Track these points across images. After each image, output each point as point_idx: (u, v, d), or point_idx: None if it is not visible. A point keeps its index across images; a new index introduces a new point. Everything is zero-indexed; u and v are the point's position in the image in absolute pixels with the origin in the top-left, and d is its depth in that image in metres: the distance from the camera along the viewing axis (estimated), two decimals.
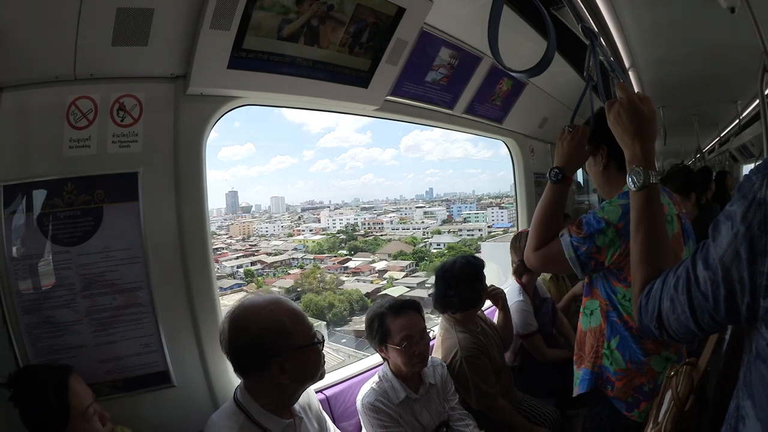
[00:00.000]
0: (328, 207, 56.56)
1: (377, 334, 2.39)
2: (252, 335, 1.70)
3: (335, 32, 2.29)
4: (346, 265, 42.94)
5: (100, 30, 1.73)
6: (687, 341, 1.36)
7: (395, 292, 34.92)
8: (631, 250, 1.33)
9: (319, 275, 39.47)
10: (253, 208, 58.83)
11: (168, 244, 2.06)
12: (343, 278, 40.64)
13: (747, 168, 9.94)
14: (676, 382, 1.32)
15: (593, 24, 2.65)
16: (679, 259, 1.28)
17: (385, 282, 38.72)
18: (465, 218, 51.97)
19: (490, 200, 54.01)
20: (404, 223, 51.21)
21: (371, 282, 39.28)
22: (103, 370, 1.96)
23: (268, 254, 44.48)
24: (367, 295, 35.62)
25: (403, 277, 39.43)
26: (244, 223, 50.48)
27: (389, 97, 3.00)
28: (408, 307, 2.42)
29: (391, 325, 2.37)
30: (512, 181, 5.20)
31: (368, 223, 51.72)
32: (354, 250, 46.22)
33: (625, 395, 1.79)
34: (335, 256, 44.64)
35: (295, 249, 45.85)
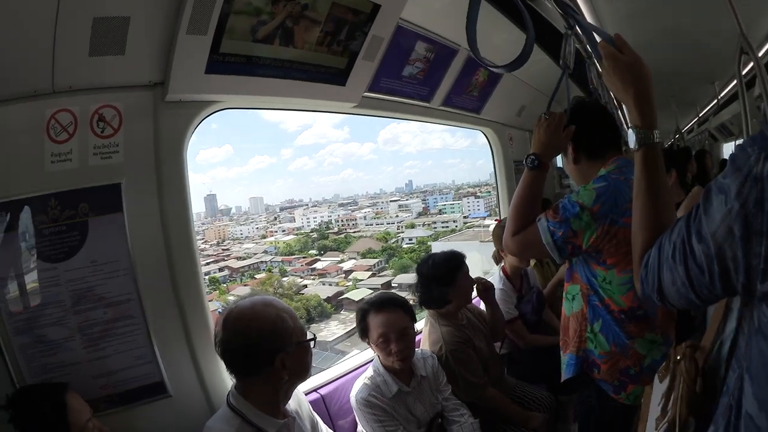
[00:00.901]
0: (307, 205, 55.78)
1: (360, 329, 2.48)
2: (252, 334, 1.74)
3: (311, 31, 2.31)
4: (313, 266, 41.85)
5: (77, 41, 1.73)
6: (690, 308, 1.37)
7: (357, 295, 33.86)
8: (633, 214, 1.29)
9: (276, 281, 38.32)
10: (233, 210, 58.08)
11: (155, 254, 2.08)
12: (308, 281, 39.43)
13: (727, 146, 10.10)
14: (684, 366, 1.31)
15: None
16: None
17: (350, 284, 37.96)
18: (440, 210, 51.27)
19: (469, 189, 53.31)
20: (378, 218, 50.42)
21: (337, 284, 38.30)
22: (98, 385, 1.97)
23: (238, 258, 43.40)
24: (328, 299, 34.73)
25: (369, 277, 38.46)
26: (218, 226, 49.60)
27: (367, 94, 3.04)
28: (390, 304, 2.46)
29: (371, 321, 2.43)
30: (491, 170, 5.28)
31: (342, 220, 50.91)
32: (323, 250, 45.26)
33: (612, 378, 1.84)
34: (304, 257, 43.70)
35: (265, 252, 44.85)
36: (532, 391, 3.08)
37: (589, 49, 3.43)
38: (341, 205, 55.03)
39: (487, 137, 5.15)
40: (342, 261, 42.15)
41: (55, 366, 1.91)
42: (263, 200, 60.13)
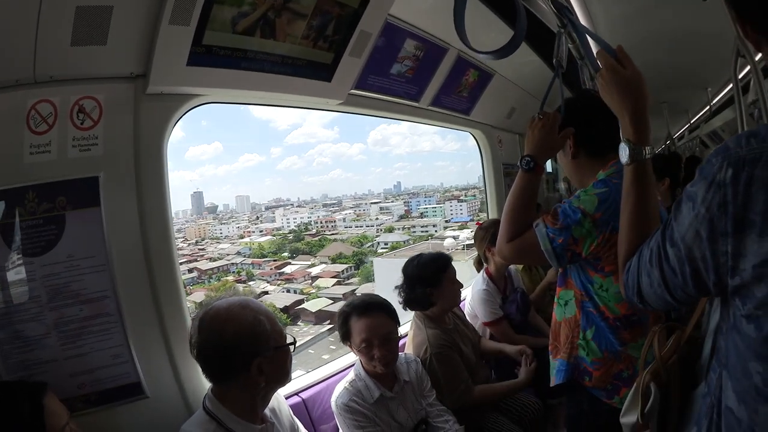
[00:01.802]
0: (292, 204, 55.45)
1: (341, 333, 2.46)
2: (228, 337, 1.73)
3: (296, 25, 2.31)
4: (282, 270, 40.95)
5: (60, 30, 1.73)
6: (667, 310, 1.42)
7: (315, 305, 33.35)
8: (620, 223, 1.39)
9: (231, 288, 36.34)
10: (220, 208, 57.69)
11: (132, 251, 2.07)
12: (272, 287, 38.43)
13: None
14: (658, 337, 1.37)
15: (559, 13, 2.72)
16: None
17: (315, 290, 37.22)
18: (422, 213, 51.14)
19: (457, 192, 53.41)
20: (358, 220, 50.16)
21: (301, 291, 37.49)
22: (75, 383, 1.96)
23: (210, 260, 42.64)
24: (285, 309, 33.94)
25: (334, 285, 37.74)
26: (199, 225, 49.05)
27: (353, 91, 3.04)
28: (374, 309, 2.45)
29: (353, 326, 2.42)
30: (480, 173, 5.30)
31: (321, 222, 50.50)
32: (296, 253, 44.59)
33: (604, 383, 1.83)
34: (274, 260, 42.88)
35: (238, 253, 44.19)
36: (520, 396, 3.09)
37: (582, 51, 3.48)
38: (326, 205, 54.86)
39: (476, 139, 5.18)
40: (313, 265, 41.58)
41: (32, 363, 1.90)
42: (249, 199, 59.91)
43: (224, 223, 50.67)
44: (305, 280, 39.38)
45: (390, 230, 48.46)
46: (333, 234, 48.53)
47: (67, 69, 1.87)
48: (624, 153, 1.38)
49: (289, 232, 48.89)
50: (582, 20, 3.14)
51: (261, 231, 48.98)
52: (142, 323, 2.08)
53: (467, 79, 4.07)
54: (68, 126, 1.92)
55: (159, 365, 2.14)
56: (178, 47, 2.00)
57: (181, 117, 2.28)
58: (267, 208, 54.70)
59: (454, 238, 37.28)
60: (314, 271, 40.37)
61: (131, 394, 2.06)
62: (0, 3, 1.57)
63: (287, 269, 41.50)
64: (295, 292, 37.99)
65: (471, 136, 5.17)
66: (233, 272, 41.57)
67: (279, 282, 39.56)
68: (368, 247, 45.42)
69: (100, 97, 1.97)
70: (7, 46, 1.69)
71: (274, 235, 48.04)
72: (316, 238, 47.44)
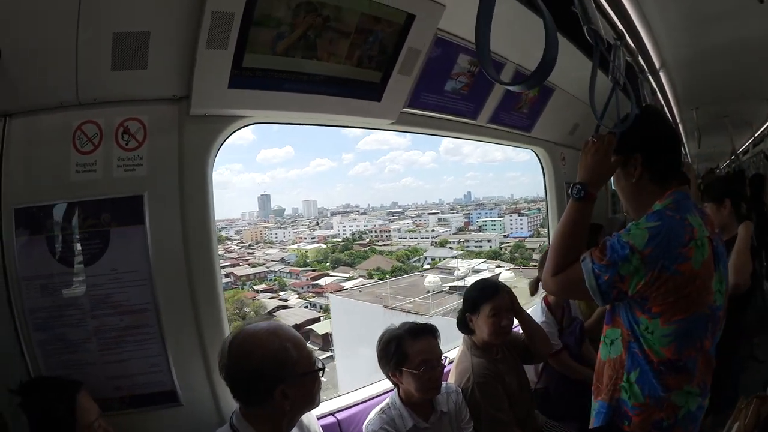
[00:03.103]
0: (357, 211, 55.04)
1: (393, 357, 2.34)
2: (254, 364, 1.72)
3: (338, 44, 2.26)
4: (317, 281, 38.82)
5: (99, 55, 1.78)
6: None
7: (322, 328, 31.25)
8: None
9: (238, 300, 35.44)
10: (288, 212, 57.98)
11: (175, 266, 2.10)
12: (296, 301, 35.81)
13: None
14: (744, 414, 1.30)
15: (619, 24, 2.60)
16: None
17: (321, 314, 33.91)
18: (480, 226, 49.06)
19: (527, 205, 51.39)
20: (414, 231, 48.43)
21: (322, 308, 34.22)
22: (113, 386, 2.05)
23: (251, 265, 41.64)
24: (296, 327, 30.61)
25: None
26: (257, 228, 48.87)
27: (406, 110, 2.94)
28: (426, 332, 2.39)
29: (409, 348, 2.32)
30: None
31: (376, 231, 49.11)
32: (337, 264, 42.86)
33: (643, 430, 1.71)
34: (313, 270, 41.09)
35: (282, 260, 42.85)
36: (561, 430, 2.96)
37: (642, 62, 3.34)
38: (391, 213, 53.47)
39: (538, 156, 4.94)
40: (350, 278, 39.37)
41: (72, 363, 1.99)
42: (317, 203, 59.98)
43: (282, 228, 50.38)
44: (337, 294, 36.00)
45: (443, 244, 46.28)
46: (385, 245, 47.01)
47: (110, 92, 1.93)
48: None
49: (342, 241, 47.76)
50: (640, 29, 3.00)
51: (313, 238, 47.92)
52: (181, 336, 2.12)
53: (527, 94, 3.87)
54: (113, 146, 1.98)
55: (195, 376, 2.16)
56: (217, 70, 1.99)
57: (226, 138, 2.29)
58: (332, 214, 54.39)
59: (452, 272, 33.76)
60: (348, 284, 37.09)
61: (166, 401, 2.12)
62: (38, 29, 1.64)
63: (323, 281, 39.44)
64: (320, 308, 35.75)
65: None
66: (270, 280, 40.77)
67: (310, 294, 37.75)
68: (414, 261, 43.47)
69: (144, 118, 2.01)
70: (48, 70, 1.77)
71: (326, 243, 46.84)
72: (366, 248, 45.90)
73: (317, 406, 1.93)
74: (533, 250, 41.94)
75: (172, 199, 2.10)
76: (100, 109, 1.95)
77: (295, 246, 46.39)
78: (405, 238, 48.08)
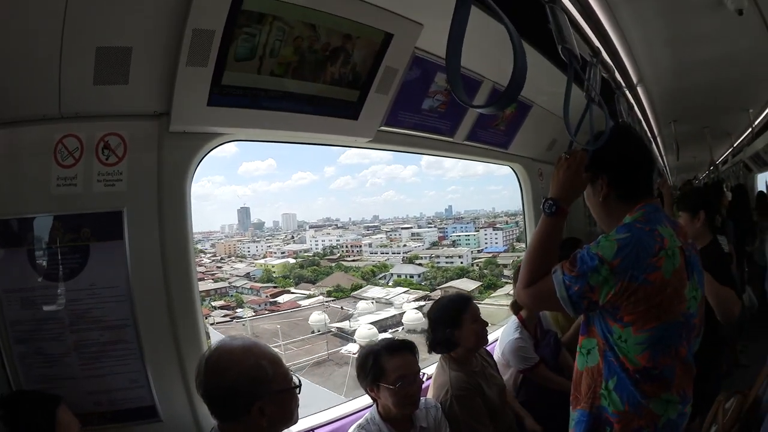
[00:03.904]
0: (335, 225, 53.99)
1: (371, 373, 2.36)
2: (229, 380, 1.74)
3: (316, 63, 2.31)
4: (275, 299, 37.10)
5: (82, 69, 1.82)
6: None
7: None
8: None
9: None
10: (269, 224, 57.07)
11: (153, 283, 2.12)
12: (249, 318, 33.36)
13: (761, 177, 9.87)
14: (723, 409, 1.33)
15: (596, 41, 2.65)
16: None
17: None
18: (454, 241, 47.59)
19: (507, 218, 49.82)
20: (385, 247, 46.85)
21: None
22: (92, 401, 2.06)
23: (215, 280, 40.28)
24: None
25: None
26: (230, 242, 47.66)
27: (383, 128, 2.99)
28: (404, 348, 2.42)
29: (386, 364, 2.35)
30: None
31: (347, 246, 47.82)
32: (300, 280, 41.14)
33: None
34: (275, 287, 39.52)
35: (246, 275, 41.52)
36: None
37: (619, 78, 3.40)
38: (367, 227, 52.19)
39: (515, 172, 5.01)
40: (311, 296, 37.95)
41: (52, 377, 2.00)
42: (296, 217, 58.51)
43: (256, 241, 48.93)
44: (292, 312, 34.87)
45: (411, 260, 44.24)
46: (355, 260, 45.49)
47: (91, 106, 1.96)
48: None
49: (313, 255, 46.23)
50: (618, 46, 3.04)
51: (283, 252, 46.36)
52: (159, 351, 2.13)
53: (504, 111, 3.94)
54: (94, 161, 2.00)
55: (174, 392, 2.17)
56: (197, 88, 2.03)
57: (205, 155, 2.33)
58: (310, 227, 53.25)
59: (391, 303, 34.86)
60: (305, 303, 36.35)
61: (145, 416, 2.13)
62: (22, 41, 1.67)
63: (281, 298, 37.75)
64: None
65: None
66: (230, 296, 39.06)
67: (265, 312, 35.95)
68: (380, 278, 41.81)
69: (125, 133, 2.04)
70: (31, 82, 1.80)
71: (295, 258, 45.30)
72: (333, 264, 44.42)
73: (295, 423, 1.94)
74: (506, 266, 40.84)
75: (150, 215, 2.13)
76: (81, 123, 1.98)
77: (262, 261, 44.74)
78: (376, 253, 46.50)
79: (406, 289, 38.72)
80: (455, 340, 2.75)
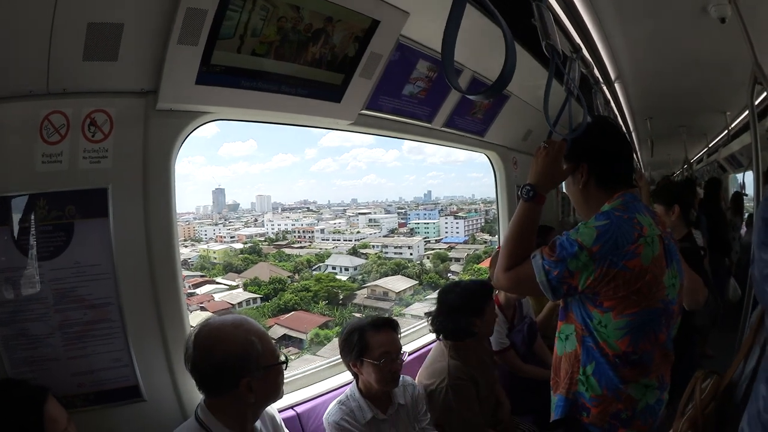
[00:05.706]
0: (308, 208, 51.51)
1: (355, 347, 2.43)
2: (219, 356, 1.78)
3: (304, 46, 2.36)
4: (195, 290, 33.85)
5: (72, 44, 1.80)
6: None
7: None
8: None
9: None
10: (246, 206, 55.09)
11: (137, 260, 2.13)
12: None
13: (736, 176, 10.17)
14: (700, 384, 1.37)
15: (577, 37, 2.70)
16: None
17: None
18: (412, 229, 44.45)
19: (485, 206, 46.93)
20: (337, 233, 44.22)
21: None
22: (76, 382, 2.04)
23: None
24: None
25: None
26: (190, 225, 44.90)
27: (364, 111, 3.06)
28: (387, 325, 2.49)
29: (371, 339, 2.42)
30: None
31: (299, 231, 45.32)
32: (229, 269, 38.21)
33: (602, 422, 1.80)
34: (201, 276, 36.72)
35: (184, 262, 38.11)
36: (519, 423, 3.10)
37: (597, 74, 3.50)
38: (336, 211, 50.08)
39: (490, 160, 5.12)
40: (234, 287, 35.31)
41: (36, 359, 1.99)
42: (270, 199, 56.28)
43: (218, 224, 46.26)
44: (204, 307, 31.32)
45: (356, 250, 40.61)
46: (301, 247, 43.00)
47: (79, 82, 1.95)
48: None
49: (264, 240, 43.75)
50: (599, 44, 3.13)
51: (233, 237, 43.89)
52: (143, 330, 2.14)
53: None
54: (80, 138, 2.00)
55: (158, 371, 2.19)
56: (186, 66, 2.06)
57: (190, 133, 2.34)
58: (284, 210, 51.10)
59: None
60: (219, 296, 33.34)
61: (129, 396, 2.13)
62: (13, 15, 1.66)
63: (201, 290, 34.46)
64: None
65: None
66: None
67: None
68: (315, 270, 38.18)
69: (112, 111, 2.04)
70: (20, 57, 1.78)
71: (245, 243, 42.70)
72: (275, 251, 41.65)
73: (281, 398, 2.00)
74: (458, 260, 37.23)
75: (135, 193, 2.14)
76: (68, 100, 1.96)
77: (205, 246, 42.29)
78: (328, 239, 43.85)
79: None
80: (475, 329, 2.81)
